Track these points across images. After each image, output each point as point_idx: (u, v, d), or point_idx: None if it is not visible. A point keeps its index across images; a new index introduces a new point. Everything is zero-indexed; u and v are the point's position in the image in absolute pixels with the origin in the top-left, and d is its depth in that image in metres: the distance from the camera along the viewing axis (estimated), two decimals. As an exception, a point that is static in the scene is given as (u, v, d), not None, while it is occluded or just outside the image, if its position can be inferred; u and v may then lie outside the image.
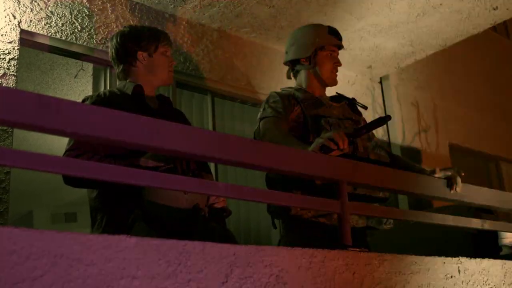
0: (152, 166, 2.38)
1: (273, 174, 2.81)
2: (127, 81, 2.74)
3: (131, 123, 1.53)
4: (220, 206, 2.67)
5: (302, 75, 3.04)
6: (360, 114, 3.03)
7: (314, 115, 2.84)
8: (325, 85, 3.03)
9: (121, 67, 2.77)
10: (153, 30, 2.82)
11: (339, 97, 3.05)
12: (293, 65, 3.07)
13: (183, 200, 2.35)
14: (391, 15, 4.93)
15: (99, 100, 2.60)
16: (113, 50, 2.78)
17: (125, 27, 2.85)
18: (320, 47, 2.96)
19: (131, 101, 2.62)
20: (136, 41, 2.73)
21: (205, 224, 2.42)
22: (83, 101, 2.64)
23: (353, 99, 3.05)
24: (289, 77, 3.13)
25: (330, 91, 3.11)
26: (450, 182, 2.60)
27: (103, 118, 1.48)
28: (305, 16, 4.77)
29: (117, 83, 2.82)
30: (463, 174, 2.63)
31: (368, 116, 3.28)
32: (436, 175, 2.66)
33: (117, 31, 2.86)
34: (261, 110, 2.91)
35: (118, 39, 2.76)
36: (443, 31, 5.37)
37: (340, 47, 3.06)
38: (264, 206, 2.99)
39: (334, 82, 3.02)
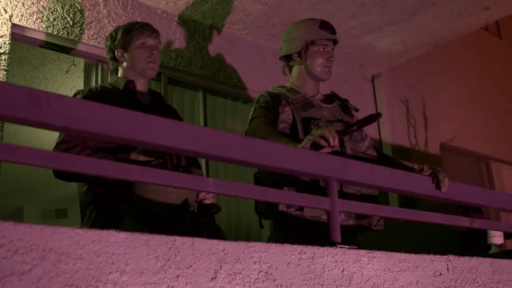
0: (142, 160, 2.38)
1: (262, 174, 2.81)
2: (119, 76, 2.76)
3: (121, 117, 1.53)
4: (210, 202, 2.68)
5: (295, 70, 3.01)
6: (352, 115, 3.03)
7: (304, 117, 2.83)
8: (317, 79, 2.98)
9: (111, 67, 2.83)
10: (129, 24, 2.83)
11: (331, 97, 3.04)
12: (287, 61, 3.05)
13: (173, 195, 2.35)
14: (384, 14, 4.94)
15: (90, 95, 2.61)
16: (107, 56, 2.86)
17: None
18: (311, 42, 2.93)
19: (122, 96, 2.63)
20: (113, 40, 2.78)
21: (194, 220, 2.42)
22: (75, 95, 2.64)
23: (346, 100, 3.04)
24: (284, 73, 3.10)
25: (324, 89, 3.10)
26: (437, 182, 2.60)
27: (93, 113, 1.48)
28: (297, 14, 4.77)
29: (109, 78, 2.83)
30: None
31: (360, 114, 3.28)
32: (424, 173, 2.67)
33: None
34: (252, 110, 2.89)
35: (105, 44, 2.84)
36: (435, 30, 5.39)
37: (335, 41, 3.03)
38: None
39: (326, 76, 2.96)
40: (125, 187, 2.28)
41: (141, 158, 2.38)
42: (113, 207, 2.36)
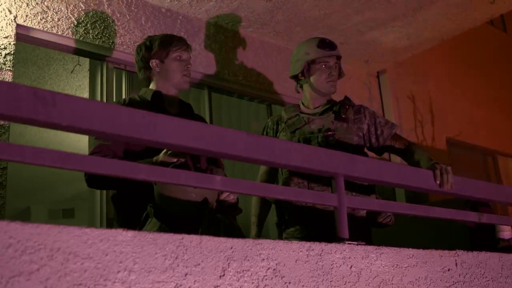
0: (166, 161, 2.41)
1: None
2: (148, 88, 2.86)
3: (127, 116, 1.52)
4: (232, 202, 2.67)
5: (304, 88, 3.20)
6: (346, 120, 3.03)
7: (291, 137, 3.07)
8: (323, 94, 3.14)
9: (142, 77, 2.90)
10: (166, 37, 2.91)
11: (332, 106, 3.12)
12: (296, 81, 3.23)
13: (192, 194, 2.36)
14: (389, 9, 4.92)
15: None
16: (136, 63, 2.92)
17: (145, 39, 2.97)
18: (311, 61, 3.09)
19: (150, 107, 2.66)
20: (148, 50, 2.85)
21: (212, 216, 2.42)
22: None
23: (339, 109, 3.07)
24: (297, 91, 3.28)
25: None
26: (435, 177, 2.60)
27: (99, 112, 1.48)
28: (301, 10, 4.76)
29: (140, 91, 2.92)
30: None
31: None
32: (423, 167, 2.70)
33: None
34: None
35: (137, 52, 2.91)
36: (440, 25, 5.37)
37: (337, 56, 3.15)
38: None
39: (330, 90, 3.12)
40: (148, 189, 2.31)
41: (165, 159, 2.42)
42: (137, 210, 2.38)
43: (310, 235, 2.84)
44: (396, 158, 5.40)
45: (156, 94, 2.78)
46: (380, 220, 2.94)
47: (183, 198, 2.32)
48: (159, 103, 2.76)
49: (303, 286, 1.72)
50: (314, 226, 2.89)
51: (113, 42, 4.16)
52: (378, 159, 2.40)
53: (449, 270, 2.25)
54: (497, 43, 8.44)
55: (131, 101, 2.79)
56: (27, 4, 3.77)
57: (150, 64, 2.83)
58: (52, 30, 3.86)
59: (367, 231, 2.96)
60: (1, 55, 3.54)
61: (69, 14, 3.98)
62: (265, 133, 3.22)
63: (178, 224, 2.29)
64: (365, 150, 3.11)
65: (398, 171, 2.41)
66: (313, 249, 1.80)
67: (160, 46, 2.84)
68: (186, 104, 2.98)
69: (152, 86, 2.86)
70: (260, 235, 3.18)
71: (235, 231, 2.47)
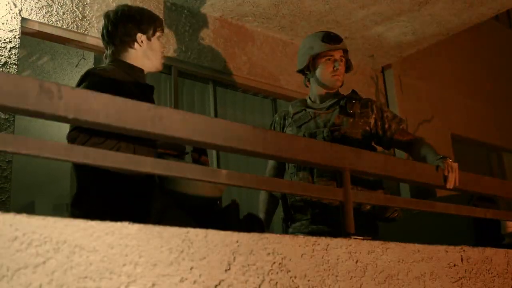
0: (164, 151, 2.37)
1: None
2: (122, 60, 2.57)
3: (133, 109, 1.52)
4: None
5: (311, 82, 3.19)
6: (352, 115, 3.02)
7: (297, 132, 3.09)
8: (328, 88, 3.13)
9: (117, 47, 2.58)
10: (151, 13, 2.68)
11: (339, 101, 3.11)
12: (304, 75, 3.23)
13: (216, 189, 2.34)
14: (394, 4, 4.90)
15: (104, 79, 2.40)
16: (109, 28, 2.58)
17: (120, 5, 2.67)
18: (316, 55, 3.08)
19: (132, 85, 2.49)
20: (136, 23, 2.57)
21: (238, 209, 2.42)
22: (88, 74, 2.42)
23: (345, 103, 3.06)
24: (306, 86, 3.26)
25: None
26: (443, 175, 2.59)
27: (105, 105, 1.47)
28: (306, 5, 4.75)
29: (107, 61, 2.61)
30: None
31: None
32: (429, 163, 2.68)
33: (114, 8, 2.65)
34: None
35: (119, 17, 2.57)
36: (446, 20, 5.34)
37: (344, 50, 3.15)
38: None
39: (335, 84, 3.12)
40: (148, 180, 2.24)
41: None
42: (142, 202, 2.25)
43: (316, 230, 2.84)
44: (403, 153, 5.39)
45: (141, 71, 2.57)
46: (388, 214, 2.93)
47: (199, 193, 2.30)
48: (141, 83, 2.55)
49: (308, 280, 1.71)
50: (321, 220, 2.88)
51: (118, 36, 4.15)
52: (384, 154, 2.39)
53: (454, 265, 2.24)
54: (502, 38, 8.40)
55: (115, 73, 2.47)
56: (32, -2, 3.77)
57: (137, 39, 2.55)
58: (57, 24, 3.86)
59: (374, 226, 2.95)
60: (6, 49, 3.54)
61: (74, 8, 3.97)
62: (272, 128, 3.23)
63: (203, 217, 2.24)
64: (373, 144, 3.09)
65: (404, 165, 2.40)
66: (319, 244, 1.79)
67: (149, 21, 2.59)
68: (150, 86, 2.65)
69: (128, 59, 2.55)
70: (268, 231, 3.18)
71: (261, 224, 2.49)
